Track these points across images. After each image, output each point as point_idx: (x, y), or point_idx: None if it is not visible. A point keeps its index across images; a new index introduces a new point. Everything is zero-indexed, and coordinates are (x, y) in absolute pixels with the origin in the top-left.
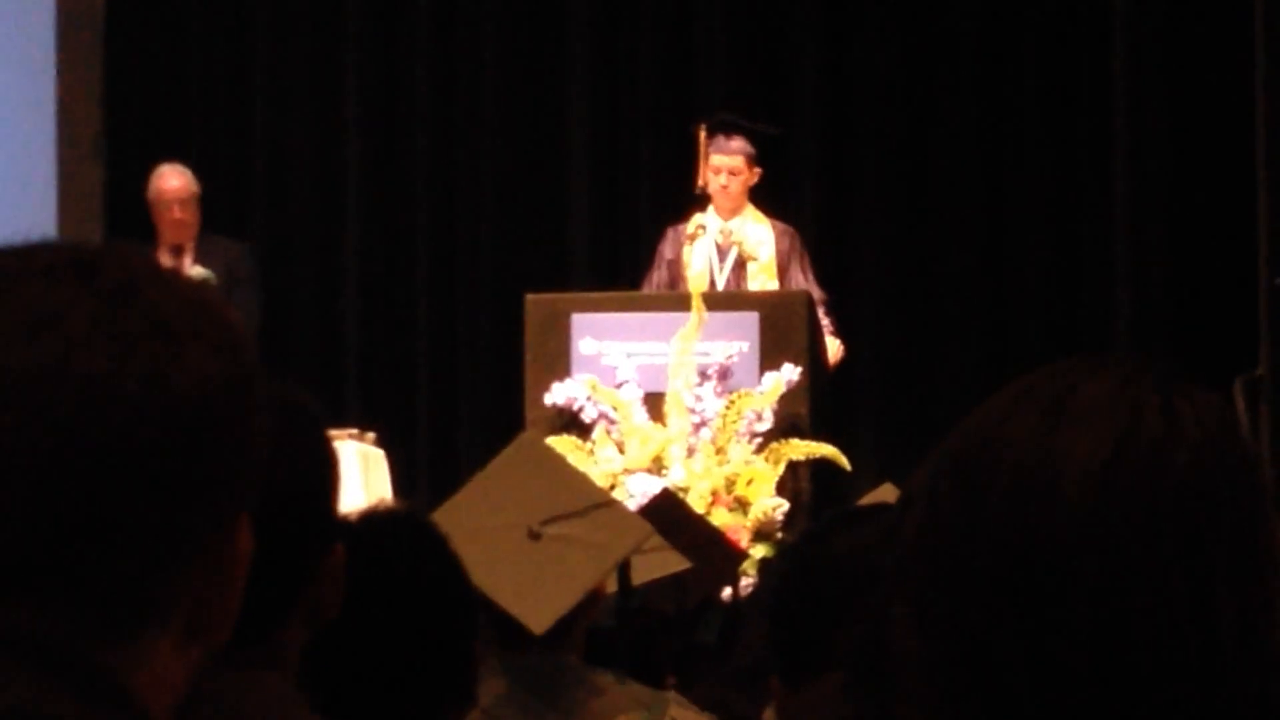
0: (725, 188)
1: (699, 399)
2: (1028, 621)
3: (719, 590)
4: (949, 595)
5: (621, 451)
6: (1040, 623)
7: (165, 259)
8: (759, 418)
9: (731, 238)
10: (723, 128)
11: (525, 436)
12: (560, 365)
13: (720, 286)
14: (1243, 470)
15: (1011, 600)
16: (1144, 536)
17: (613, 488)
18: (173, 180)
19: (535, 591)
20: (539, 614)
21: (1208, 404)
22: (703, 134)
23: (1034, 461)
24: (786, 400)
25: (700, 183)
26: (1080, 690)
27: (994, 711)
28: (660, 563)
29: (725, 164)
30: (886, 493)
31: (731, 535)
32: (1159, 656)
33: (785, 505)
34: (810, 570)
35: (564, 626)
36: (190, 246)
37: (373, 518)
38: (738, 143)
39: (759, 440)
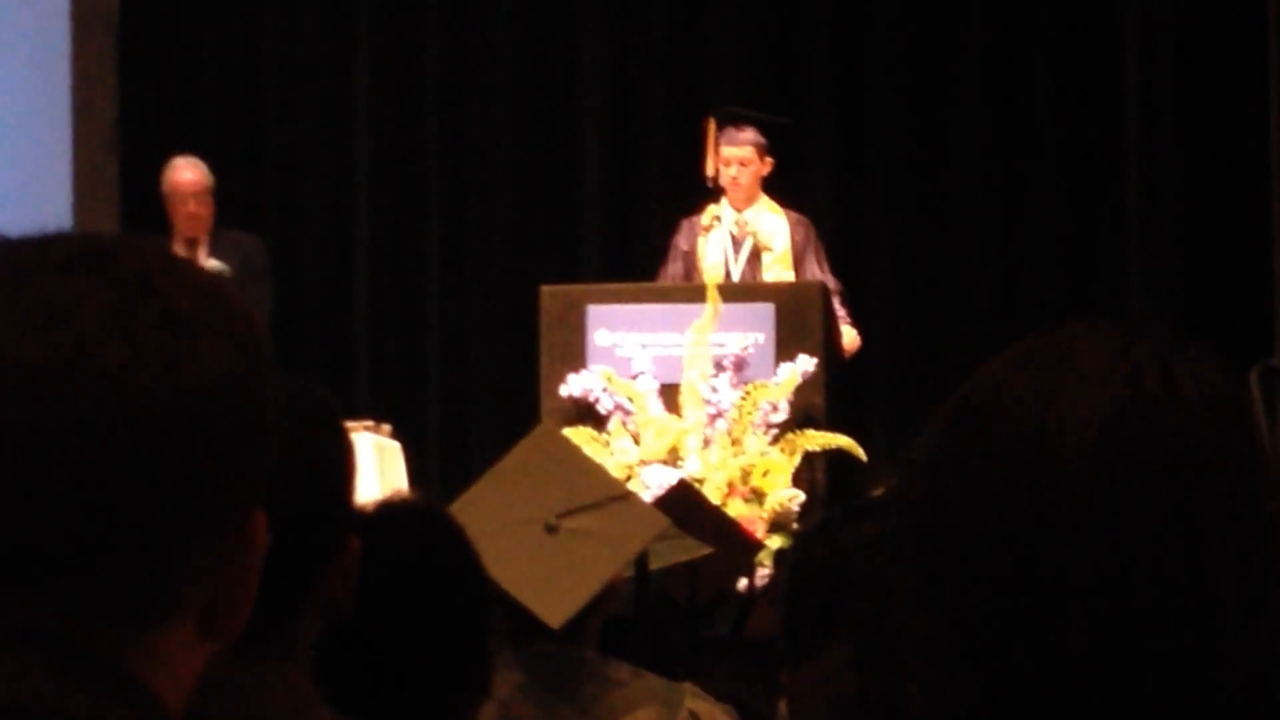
0: (736, 179)
1: (714, 390)
2: (1027, 586)
3: (734, 582)
4: (949, 561)
5: (637, 443)
6: (1040, 587)
7: (180, 252)
8: (774, 409)
9: (746, 228)
10: (732, 119)
11: (542, 428)
12: (575, 357)
13: (735, 277)
14: (1241, 433)
15: (1011, 565)
16: (1142, 499)
17: (628, 479)
18: (187, 174)
19: (551, 585)
20: (555, 608)
21: (1208, 367)
22: (713, 126)
23: (1033, 425)
24: (802, 391)
25: (710, 174)
26: (1080, 657)
27: (995, 682)
28: (678, 549)
29: (735, 155)
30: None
31: (747, 526)
32: (1159, 620)
33: (801, 496)
34: (817, 563)
35: (580, 619)
36: (204, 240)
37: (388, 509)
38: (747, 134)
39: (774, 431)
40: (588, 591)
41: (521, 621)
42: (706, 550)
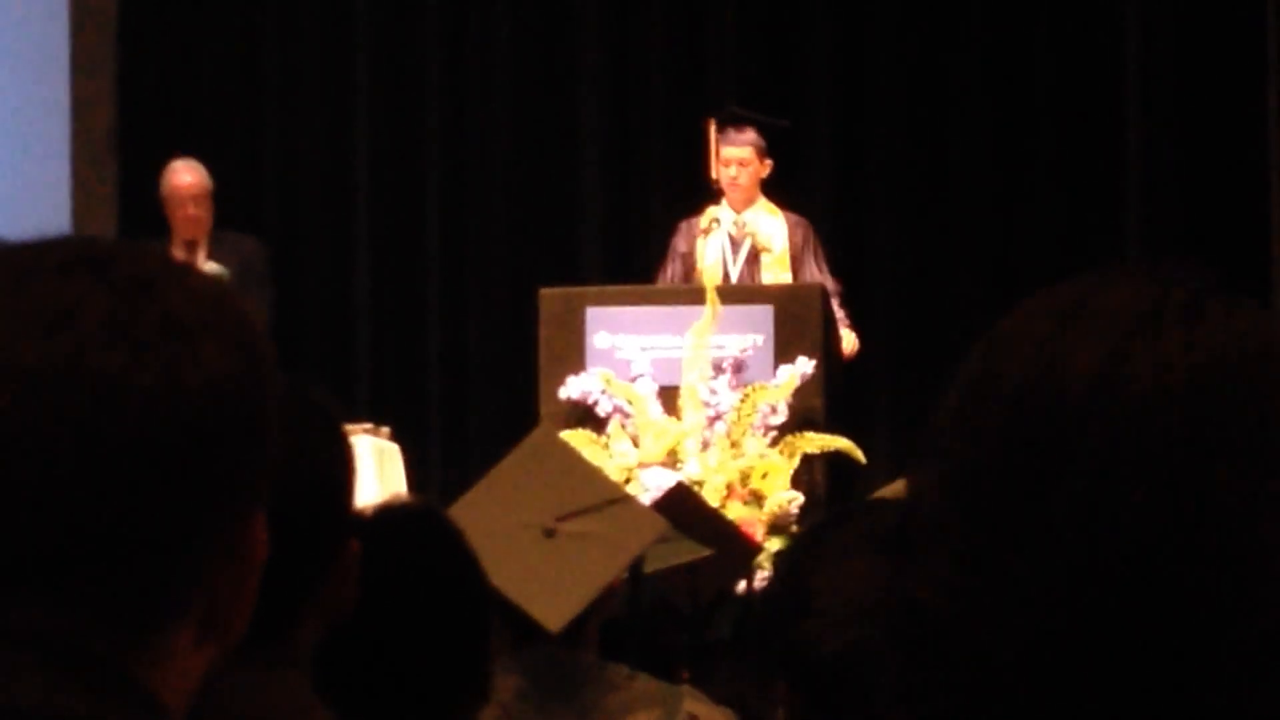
0: (735, 180)
1: (713, 392)
2: (1038, 529)
3: (733, 584)
4: (966, 509)
5: (636, 445)
6: (1049, 528)
7: (179, 254)
8: (774, 411)
9: (745, 230)
10: (732, 120)
11: (540, 431)
12: (574, 359)
13: (734, 279)
14: (1270, 384)
15: (1021, 508)
16: (1147, 440)
17: (627, 482)
18: (185, 176)
19: (550, 589)
20: (554, 611)
21: (1243, 314)
22: (713, 128)
23: (1042, 360)
24: (801, 393)
25: (712, 176)
26: (1088, 593)
27: (1016, 625)
28: (676, 551)
29: (734, 156)
30: (902, 488)
31: (746, 528)
32: (1163, 567)
33: (800, 498)
34: (804, 570)
35: (579, 623)
36: (204, 242)
37: (388, 513)
38: (746, 135)
39: (774, 433)
40: (586, 595)
41: (521, 625)
42: (705, 553)
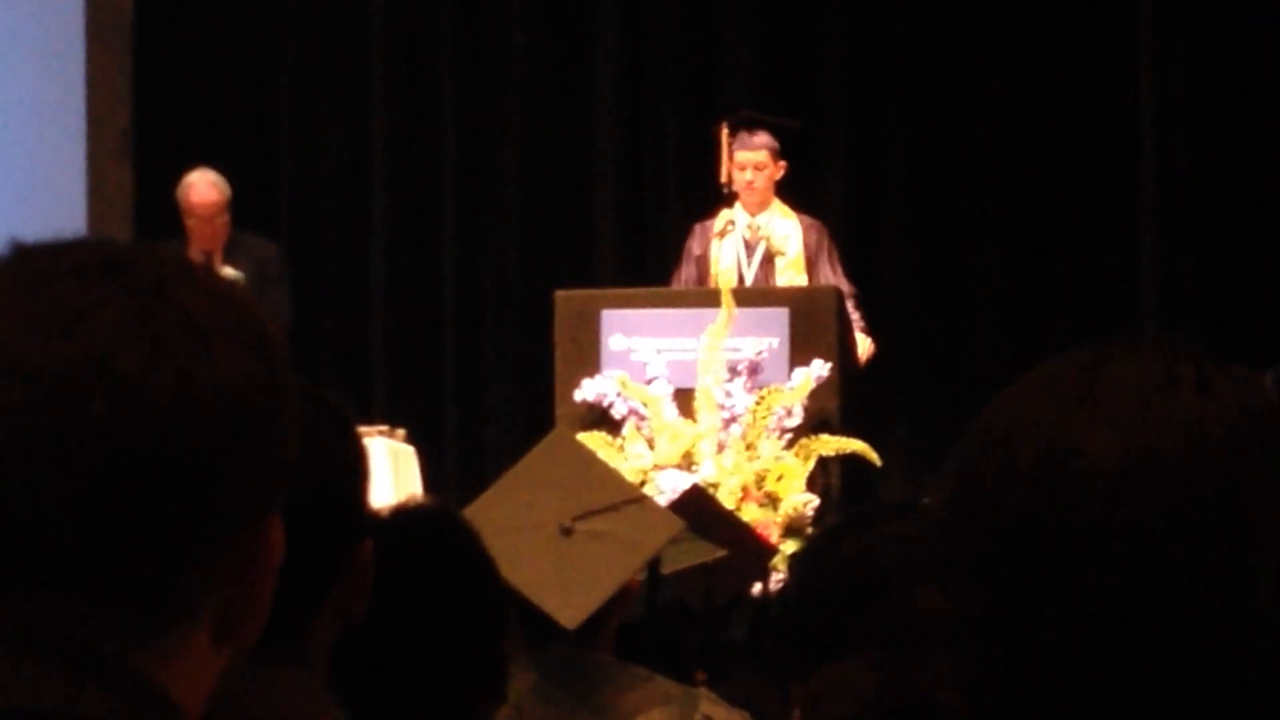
0: (750, 183)
1: (729, 395)
2: (1054, 597)
3: (749, 586)
4: (981, 575)
5: (651, 448)
6: (1066, 598)
7: (195, 257)
8: (789, 413)
9: (759, 233)
10: (745, 124)
11: (556, 433)
12: (590, 361)
13: (749, 282)
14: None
15: (1037, 580)
16: (1177, 512)
17: (643, 484)
18: (204, 192)
19: (567, 587)
20: (571, 610)
21: (1243, 380)
22: (725, 131)
23: (1061, 438)
24: (816, 396)
25: (725, 179)
26: (1111, 673)
27: (1025, 679)
28: (692, 552)
29: (749, 159)
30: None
31: (762, 531)
32: (1190, 633)
33: (816, 500)
34: (821, 572)
35: (595, 623)
36: (220, 247)
37: (402, 514)
38: (760, 138)
39: (789, 436)
40: (603, 593)
41: (537, 624)
42: (720, 553)
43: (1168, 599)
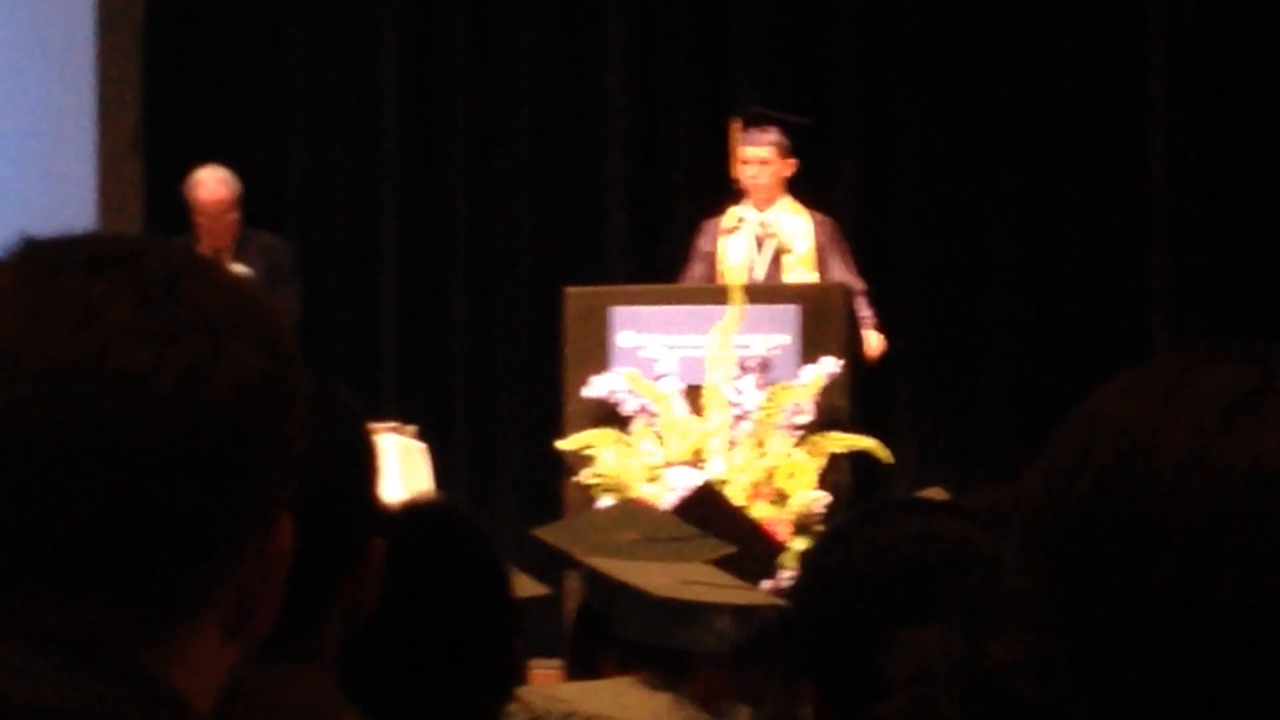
0: (755, 179)
1: (739, 392)
2: (1109, 603)
3: (757, 584)
4: (1045, 564)
5: (661, 444)
6: (1146, 599)
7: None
8: (799, 410)
9: (769, 229)
10: (756, 119)
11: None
12: (599, 358)
13: (759, 278)
14: None
15: (1097, 571)
16: (1242, 521)
17: (652, 480)
18: (212, 190)
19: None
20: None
21: None
22: (736, 127)
23: (1140, 433)
24: (827, 393)
25: (735, 176)
26: (1159, 670)
27: (1105, 670)
28: (699, 549)
29: (755, 155)
30: (935, 495)
31: (771, 528)
32: (1243, 644)
33: (826, 498)
34: (830, 572)
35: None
36: (230, 244)
37: (413, 510)
38: (768, 134)
39: (799, 433)
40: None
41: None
42: (729, 550)
43: (1222, 611)
